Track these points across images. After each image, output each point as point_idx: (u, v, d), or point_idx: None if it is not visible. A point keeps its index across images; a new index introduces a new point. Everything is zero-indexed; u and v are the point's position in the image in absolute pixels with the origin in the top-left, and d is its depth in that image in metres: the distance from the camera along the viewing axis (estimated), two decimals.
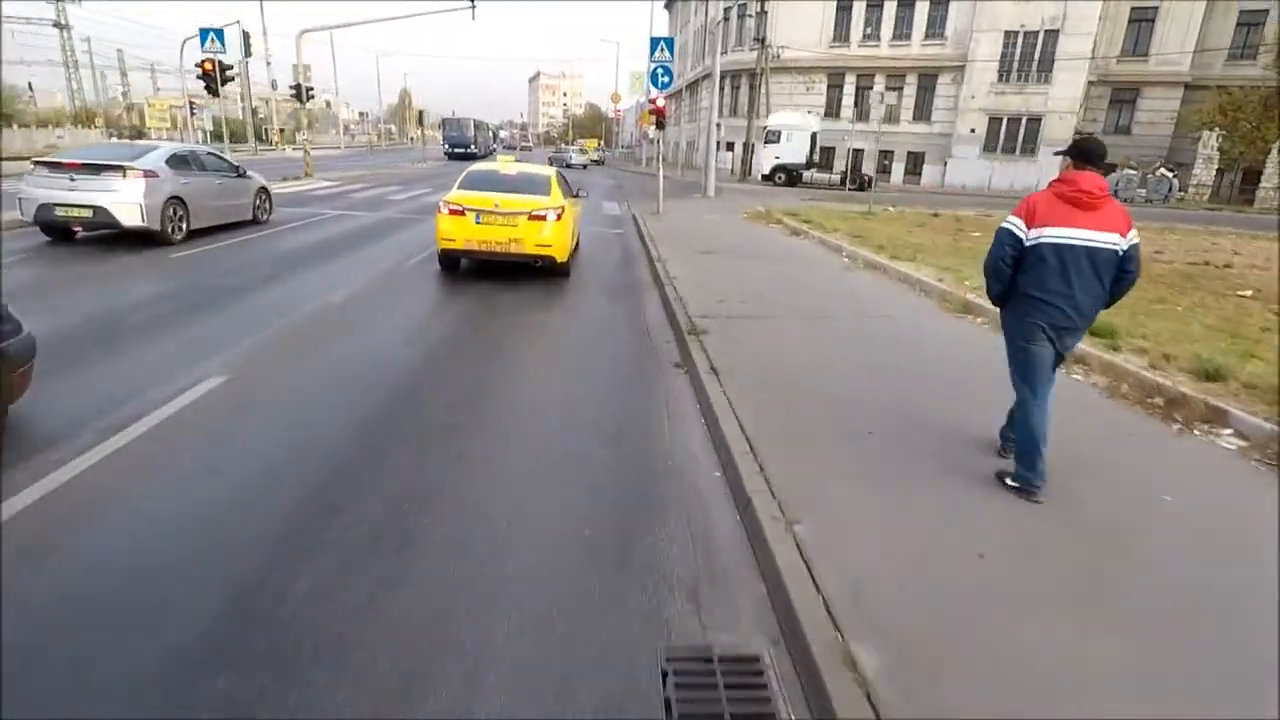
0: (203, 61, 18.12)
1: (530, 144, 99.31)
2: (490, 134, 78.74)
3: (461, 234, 8.88)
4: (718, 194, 24.54)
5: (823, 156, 42.29)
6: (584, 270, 10.32)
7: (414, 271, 9.52)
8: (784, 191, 31.31)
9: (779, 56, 39.56)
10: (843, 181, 34.24)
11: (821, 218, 16.38)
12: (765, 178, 36.72)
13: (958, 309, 7.62)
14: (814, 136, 36.97)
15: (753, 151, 40.17)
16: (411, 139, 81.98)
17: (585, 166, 50.65)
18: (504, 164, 10.55)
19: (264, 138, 70.63)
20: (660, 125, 16.79)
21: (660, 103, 16.50)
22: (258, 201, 12.78)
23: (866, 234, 13.62)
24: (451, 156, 50.17)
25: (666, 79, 16.85)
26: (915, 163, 40.36)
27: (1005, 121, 37.15)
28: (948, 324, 7.26)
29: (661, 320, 7.51)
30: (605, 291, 8.93)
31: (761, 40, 38.54)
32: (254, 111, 67.52)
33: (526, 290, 8.64)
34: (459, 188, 9.45)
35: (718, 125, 24.11)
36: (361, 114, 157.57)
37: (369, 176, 26.80)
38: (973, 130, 37.79)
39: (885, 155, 40.96)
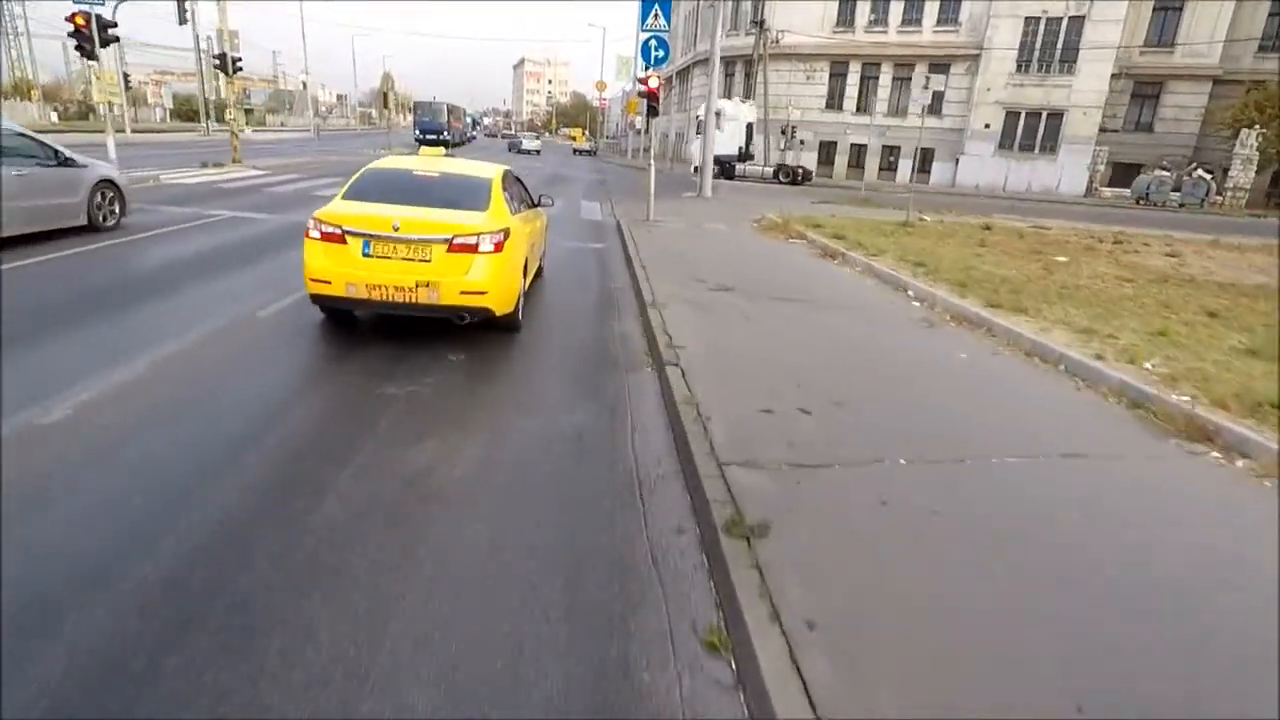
0: (74, 14, 14.43)
1: (514, 132, 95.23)
2: (469, 121, 74.71)
3: (341, 272, 5.52)
4: (714, 193, 21.21)
5: (823, 150, 39.17)
6: (542, 320, 6.97)
7: (277, 323, 6.11)
8: (780, 191, 28.02)
9: (778, 42, 36.23)
10: (775, 175, 32.25)
11: (852, 230, 13.13)
12: (698, 170, 32.91)
13: (1188, 434, 4.36)
14: (749, 127, 34.55)
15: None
16: (390, 124, 77.59)
17: (538, 152, 48.28)
18: (426, 157, 7.20)
19: (221, 118, 66.20)
20: (653, 111, 13.46)
21: (653, 83, 13.12)
22: (97, 200, 9.28)
23: (923, 257, 10.38)
24: (423, 143, 46.32)
25: (661, 53, 13.52)
26: (924, 160, 37.24)
27: (1023, 116, 34.15)
28: (1198, 473, 4.00)
29: (664, 451, 4.17)
30: (568, 373, 5.57)
31: (760, 23, 35.17)
32: (215, 89, 62.99)
33: (441, 372, 5.27)
34: (346, 195, 6.08)
35: (716, 114, 20.82)
36: (340, 97, 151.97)
37: (310, 165, 23.10)
38: (988, 125, 34.76)
39: (890, 151, 37.85)
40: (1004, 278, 9.03)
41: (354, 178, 6.33)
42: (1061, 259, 11.00)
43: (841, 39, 36.99)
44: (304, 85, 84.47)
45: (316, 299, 5.67)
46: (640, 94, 13.05)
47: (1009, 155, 34.79)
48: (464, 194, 6.22)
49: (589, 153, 56.18)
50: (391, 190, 6.15)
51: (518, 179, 7.77)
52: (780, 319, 6.96)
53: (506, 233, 5.88)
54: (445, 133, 46.46)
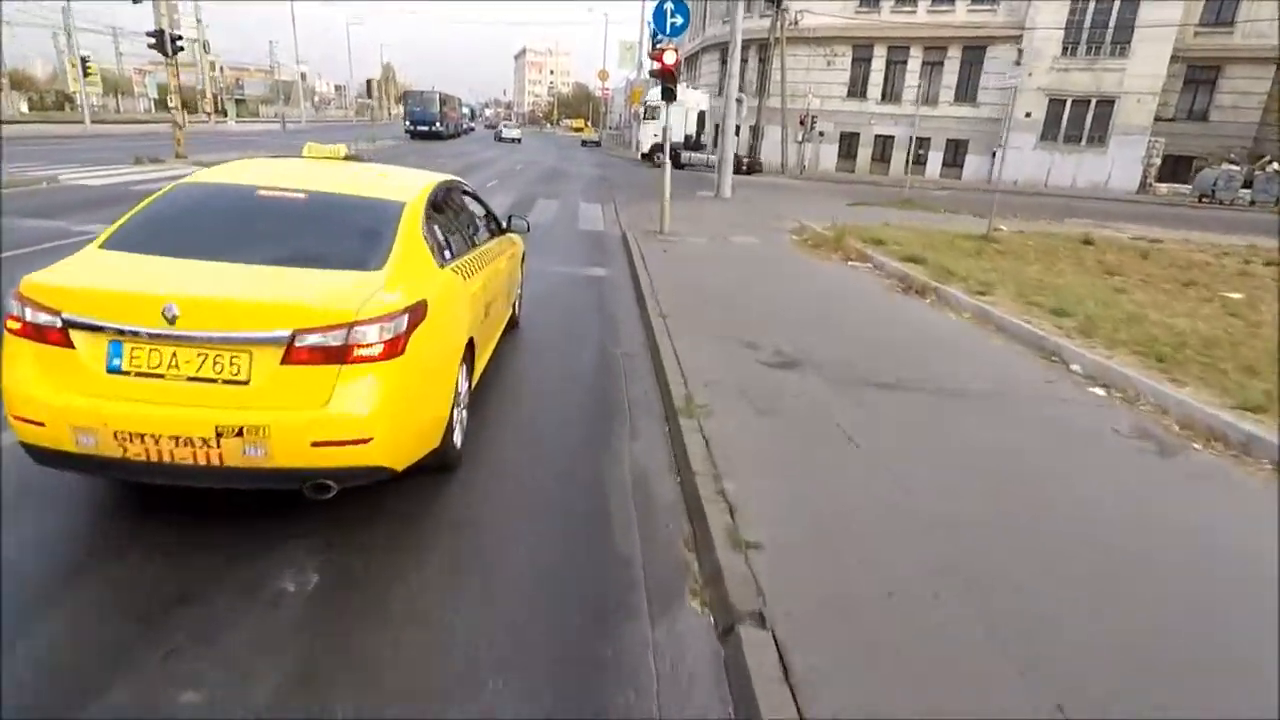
0: None
1: (513, 122, 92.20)
2: (467, 111, 71.63)
3: (63, 405, 2.68)
4: (732, 192, 18.28)
5: (844, 143, 36.15)
6: (498, 436, 4.08)
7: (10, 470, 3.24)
8: (803, 189, 25.05)
9: (796, 23, 33.12)
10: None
11: (923, 246, 10.22)
12: (645, 156, 33.73)
13: None
14: (701, 115, 33.79)
15: (762, 137, 33.89)
16: (374, 115, 75.14)
17: (518, 140, 47.28)
18: (299, 162, 4.40)
19: (195, 108, 63.23)
20: (669, 94, 10.52)
21: (670, 57, 10.21)
22: None
23: (1048, 294, 7.47)
24: (414, 135, 43.40)
25: (680, 20, 10.63)
26: (956, 152, 34.21)
27: (1069, 104, 31.05)
28: None
29: None
30: (523, 633, 2.70)
31: (777, 3, 32.06)
32: (210, 78, 59.84)
33: (261, 624, 2.40)
34: (108, 240, 3.24)
35: (738, 100, 17.87)
36: (338, 88, 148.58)
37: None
38: (1029, 114, 31.64)
39: (920, 143, 34.68)
40: (1192, 333, 6.12)
41: (142, 204, 3.47)
42: (1234, 295, 8.07)
43: (865, 20, 33.88)
44: (302, 76, 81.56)
45: (30, 450, 2.83)
46: (653, 73, 10.12)
47: (1052, 147, 31.71)
48: (341, 236, 3.37)
49: (594, 143, 54.24)
50: (205, 229, 3.33)
51: (470, 193, 4.93)
52: (903, 437, 4.09)
53: (421, 310, 3.06)
54: (438, 124, 43.54)
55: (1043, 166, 31.81)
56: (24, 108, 44.45)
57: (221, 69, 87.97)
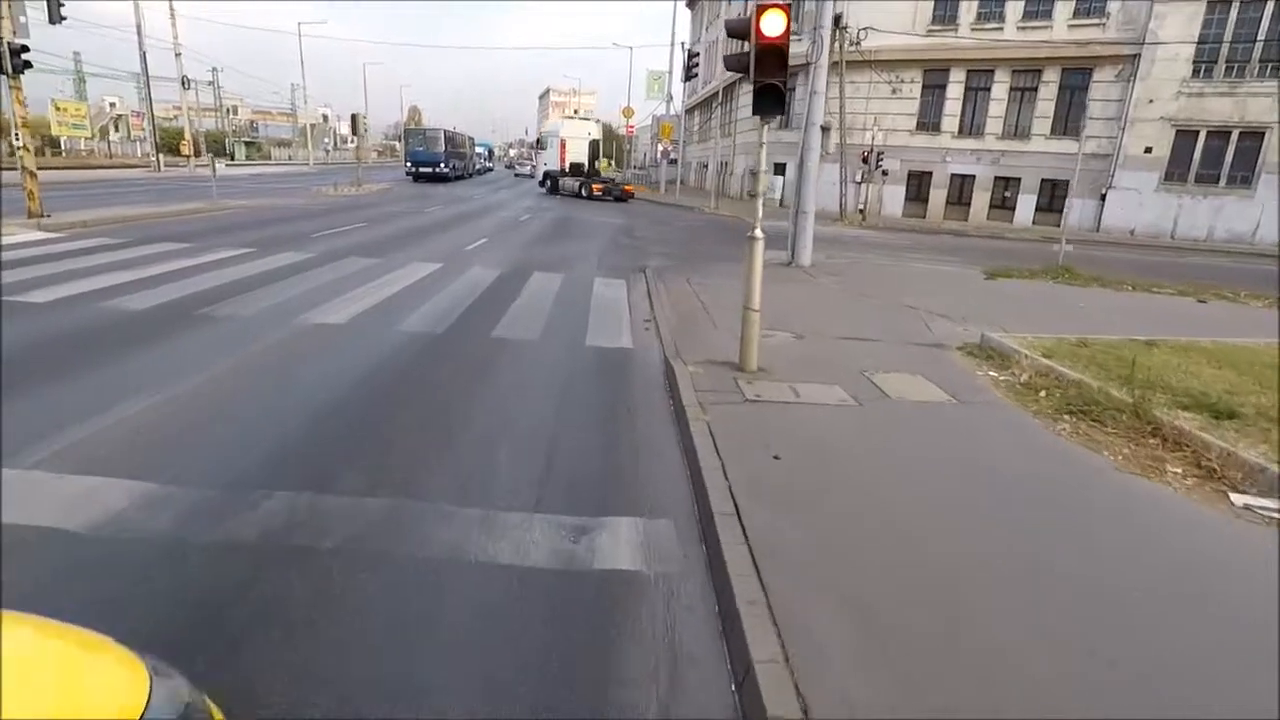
0: None
1: (530, 162, 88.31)
2: (482, 151, 67.49)
3: None
4: (807, 253, 12.67)
5: (912, 184, 30.59)
6: None
7: None
8: (859, 240, 19.45)
9: (858, 44, 27.88)
10: (580, 190, 31.37)
11: (1234, 385, 4.44)
12: (542, 184, 35.93)
13: None
14: (594, 144, 34.25)
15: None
16: (361, 155, 71.69)
17: (531, 175, 46.18)
18: None
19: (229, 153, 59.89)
20: (776, 102, 4.98)
21: (775, 21, 4.71)
22: None
23: None
24: (416, 177, 38.72)
25: None
26: (1052, 195, 28.42)
27: (1203, 136, 25.21)
28: None
29: None
30: None
31: (836, 21, 26.84)
32: (226, 120, 56.02)
33: None
34: None
35: (822, 129, 12.35)
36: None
37: (181, 220, 15.11)
38: (1149, 150, 25.87)
39: (1006, 184, 29.10)
40: None
41: None
42: None
43: (940, 40, 28.56)
44: (324, 118, 78.84)
45: None
46: (761, 50, 4.46)
47: (1179, 189, 25.82)
48: None
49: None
50: None
51: None
52: None
53: None
54: (442, 165, 38.80)
55: (1168, 212, 25.91)
56: None
57: (233, 110, 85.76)
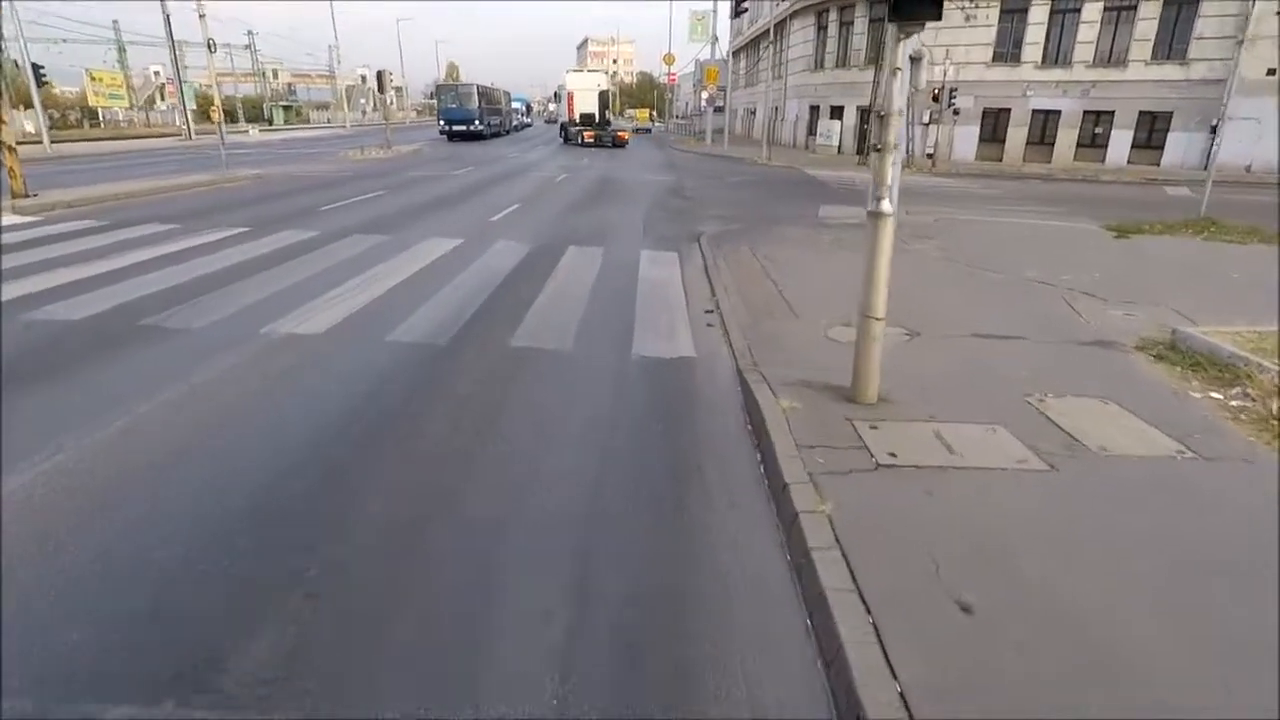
0: None
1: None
2: (520, 107, 65.08)
3: None
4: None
5: (987, 123, 27.57)
6: None
7: None
8: (935, 190, 17.09)
9: None
10: (579, 139, 32.74)
11: None
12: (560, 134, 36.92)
13: None
14: (603, 94, 34.75)
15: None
16: (387, 115, 70.55)
17: (529, 125, 49.55)
18: None
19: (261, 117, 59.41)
20: None
21: None
22: None
23: None
24: (451, 136, 37.05)
25: None
26: (1151, 129, 25.20)
27: None
28: None
29: None
30: None
31: None
32: (265, 85, 55.11)
33: None
34: None
35: (912, 60, 10.23)
36: (398, 89, 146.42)
37: (180, 196, 13.82)
38: (1272, 71, 22.39)
39: (1097, 119, 25.92)
40: None
41: None
42: None
43: None
44: (362, 79, 77.43)
45: None
46: None
47: None
48: None
49: (646, 131, 55.32)
50: None
51: None
52: None
53: None
54: (477, 122, 36.99)
55: None
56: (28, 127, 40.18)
57: (274, 74, 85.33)
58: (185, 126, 36.86)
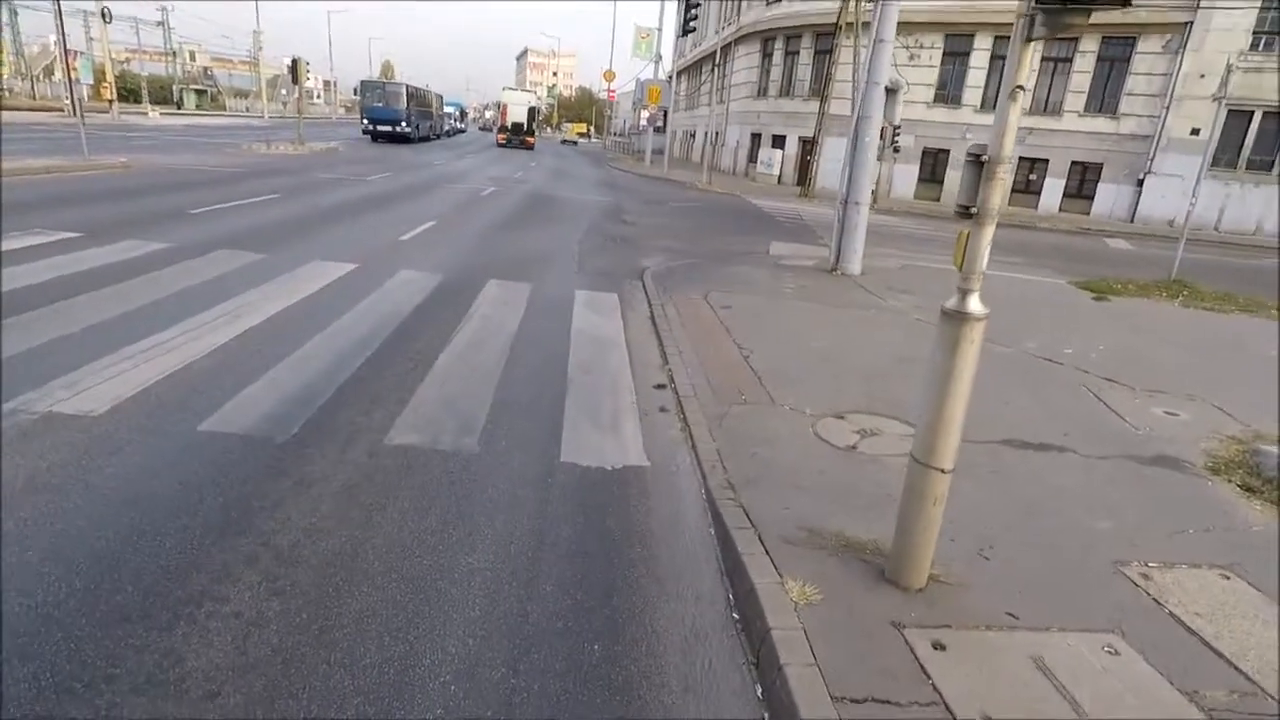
0: None
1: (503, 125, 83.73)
2: (454, 110, 62.58)
3: None
4: (856, 250, 9.56)
5: (927, 162, 27.57)
6: None
7: None
8: (888, 230, 16.49)
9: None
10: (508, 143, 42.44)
11: None
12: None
13: None
14: (532, 110, 44.34)
15: (818, 153, 25.44)
16: (301, 108, 67.67)
17: (462, 131, 55.71)
18: None
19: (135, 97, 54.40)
20: None
21: None
22: None
23: None
24: (375, 137, 34.53)
25: None
26: (1083, 179, 25.61)
27: (1257, 118, 22.52)
28: None
29: None
30: None
31: None
32: (177, 64, 50.39)
33: None
34: None
35: (888, 90, 9.02)
36: (327, 83, 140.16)
37: (10, 186, 11.45)
38: (1196, 131, 23.06)
39: (1032, 165, 26.18)
40: None
41: None
42: None
43: (966, 2, 25.25)
44: (291, 67, 73.00)
45: None
46: None
47: (1228, 176, 23.14)
48: None
49: (573, 144, 63.65)
50: None
51: None
52: None
53: None
54: (403, 124, 34.66)
55: (1214, 202, 23.18)
56: None
57: (191, 55, 79.82)
58: (70, 102, 32.98)
